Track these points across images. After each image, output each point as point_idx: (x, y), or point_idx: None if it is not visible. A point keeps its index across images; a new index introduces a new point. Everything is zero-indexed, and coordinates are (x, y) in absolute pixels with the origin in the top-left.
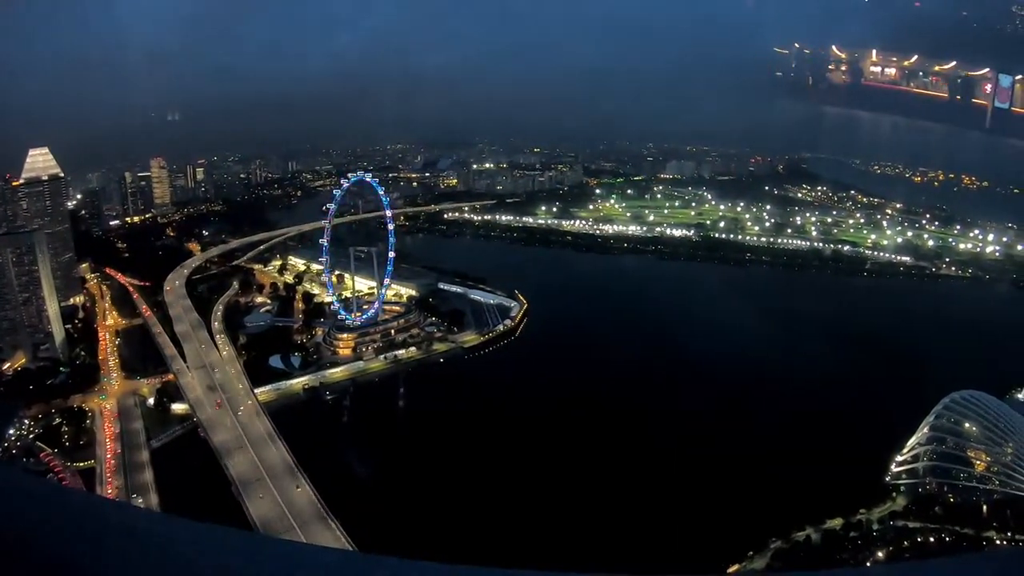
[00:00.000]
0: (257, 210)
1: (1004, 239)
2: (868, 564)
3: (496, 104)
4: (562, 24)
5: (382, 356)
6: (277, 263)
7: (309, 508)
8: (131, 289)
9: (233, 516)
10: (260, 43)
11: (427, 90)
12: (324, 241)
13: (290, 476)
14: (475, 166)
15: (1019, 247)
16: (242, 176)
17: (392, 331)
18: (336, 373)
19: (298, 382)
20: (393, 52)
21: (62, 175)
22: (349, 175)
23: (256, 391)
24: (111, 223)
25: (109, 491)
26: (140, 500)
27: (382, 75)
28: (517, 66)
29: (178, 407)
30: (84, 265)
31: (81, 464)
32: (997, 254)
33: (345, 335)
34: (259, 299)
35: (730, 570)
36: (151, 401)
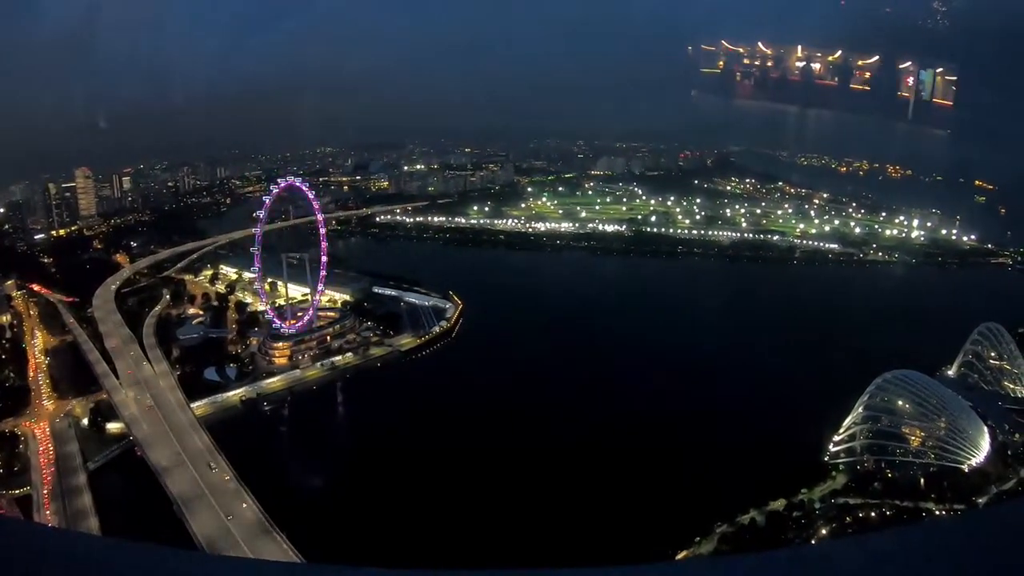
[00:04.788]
0: (186, 219)
1: (928, 224)
2: (813, 541)
3: (425, 105)
4: (490, 24)
5: (319, 363)
6: (208, 273)
7: (254, 522)
8: (59, 305)
9: (176, 535)
10: (183, 46)
11: (355, 92)
12: (255, 249)
13: (232, 491)
14: (406, 168)
15: (943, 231)
16: (169, 184)
17: (328, 338)
18: (273, 383)
19: (235, 394)
20: (320, 55)
21: None
22: (279, 180)
23: (192, 405)
24: (36, 237)
25: (48, 518)
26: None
27: (309, 78)
28: (446, 67)
29: (113, 426)
30: (9, 282)
31: (17, 491)
32: (922, 239)
33: (280, 344)
34: (191, 310)
35: (678, 556)
36: (85, 422)
